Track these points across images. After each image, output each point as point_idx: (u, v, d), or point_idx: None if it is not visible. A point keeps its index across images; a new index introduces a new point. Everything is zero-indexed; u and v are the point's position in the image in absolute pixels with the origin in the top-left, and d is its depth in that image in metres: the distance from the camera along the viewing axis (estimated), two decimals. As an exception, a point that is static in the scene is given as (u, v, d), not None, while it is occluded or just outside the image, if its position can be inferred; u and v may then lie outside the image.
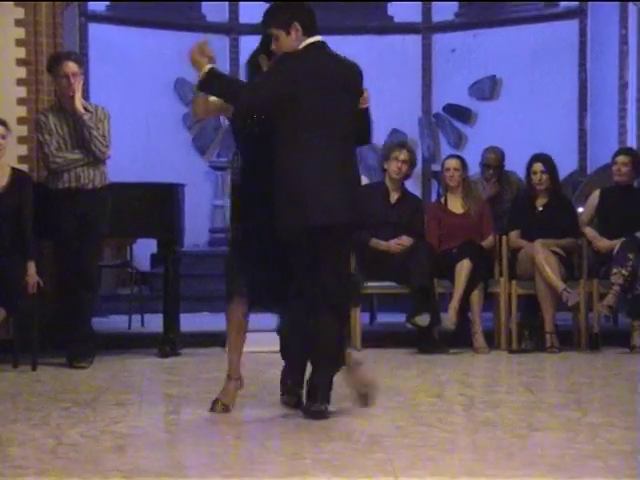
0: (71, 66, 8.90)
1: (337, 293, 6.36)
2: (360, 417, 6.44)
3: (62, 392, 7.60)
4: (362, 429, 6.06)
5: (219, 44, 14.94)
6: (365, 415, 6.49)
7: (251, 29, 14.98)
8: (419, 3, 14.66)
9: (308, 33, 6.35)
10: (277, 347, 9.10)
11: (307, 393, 6.49)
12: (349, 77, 6.54)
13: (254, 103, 6.34)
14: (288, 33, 6.28)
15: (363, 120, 6.65)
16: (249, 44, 14.83)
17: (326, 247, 6.31)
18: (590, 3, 13.58)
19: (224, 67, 14.87)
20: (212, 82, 6.35)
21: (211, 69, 6.30)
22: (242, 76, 7.16)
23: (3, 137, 8.76)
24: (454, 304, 9.49)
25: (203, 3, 15.22)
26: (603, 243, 9.69)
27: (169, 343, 9.43)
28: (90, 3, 13.81)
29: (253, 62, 6.71)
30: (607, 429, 5.91)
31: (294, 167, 6.24)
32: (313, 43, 6.36)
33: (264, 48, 6.55)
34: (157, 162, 12.76)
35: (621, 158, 9.94)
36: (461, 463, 5.08)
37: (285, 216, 6.30)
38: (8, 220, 8.64)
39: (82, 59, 10.19)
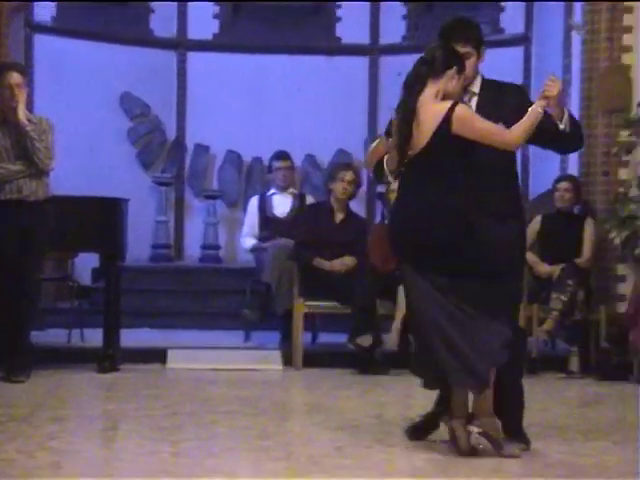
0: (15, 77, 8.86)
1: None
2: (300, 437, 6.44)
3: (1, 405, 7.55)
4: (301, 450, 6.05)
5: (166, 60, 14.93)
6: (305, 435, 6.48)
7: (199, 45, 15.02)
8: (367, 25, 14.69)
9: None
10: (217, 364, 9.09)
11: None
12: None
13: None
14: (479, 57, 6.17)
15: None
16: (197, 60, 14.95)
17: None
18: (535, 31, 13.68)
19: (171, 83, 14.88)
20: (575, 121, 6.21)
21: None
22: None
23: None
24: (397, 325, 9.51)
25: (151, 17, 15.16)
26: (543, 268, 9.78)
27: (108, 358, 9.38)
28: (36, 14, 13.75)
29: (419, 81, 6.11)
30: (544, 454, 5.94)
31: None
32: None
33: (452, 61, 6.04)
34: (101, 176, 12.66)
35: (563, 184, 10.03)
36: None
37: None
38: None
39: (26, 70, 10.16)
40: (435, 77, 5.89)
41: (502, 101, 6.03)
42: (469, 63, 6.01)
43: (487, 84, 6.15)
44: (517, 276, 6.29)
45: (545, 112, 5.85)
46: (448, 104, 5.82)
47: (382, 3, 14.69)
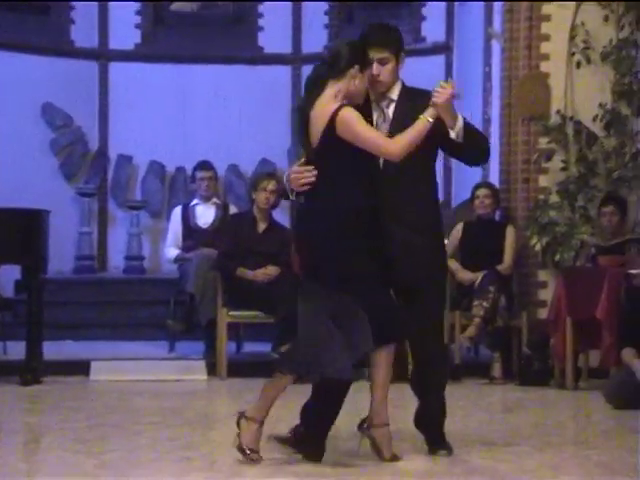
0: None
1: None
2: (223, 447, 6.43)
3: None
4: (225, 460, 6.05)
5: (88, 70, 14.86)
6: (229, 445, 6.49)
7: (121, 55, 14.96)
8: (289, 34, 14.71)
9: None
10: (141, 376, 9.07)
11: None
12: None
13: None
14: (397, 62, 5.95)
15: None
16: (119, 70, 14.89)
17: None
18: (456, 39, 13.78)
19: (93, 94, 14.81)
20: (472, 131, 5.97)
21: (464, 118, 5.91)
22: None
23: None
24: None
25: (72, 27, 15.07)
26: (465, 275, 9.83)
27: (31, 371, 9.30)
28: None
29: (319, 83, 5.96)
30: (466, 459, 5.99)
31: None
32: None
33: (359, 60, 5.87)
34: (22, 187, 12.55)
35: (482, 191, 10.09)
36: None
37: None
38: None
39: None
40: (336, 78, 5.75)
41: (420, 109, 5.76)
42: (387, 68, 5.86)
43: (406, 91, 5.98)
44: (437, 292, 6.17)
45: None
46: (336, 105, 5.67)
47: (304, 13, 14.74)
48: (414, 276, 5.92)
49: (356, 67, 5.75)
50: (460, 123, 5.75)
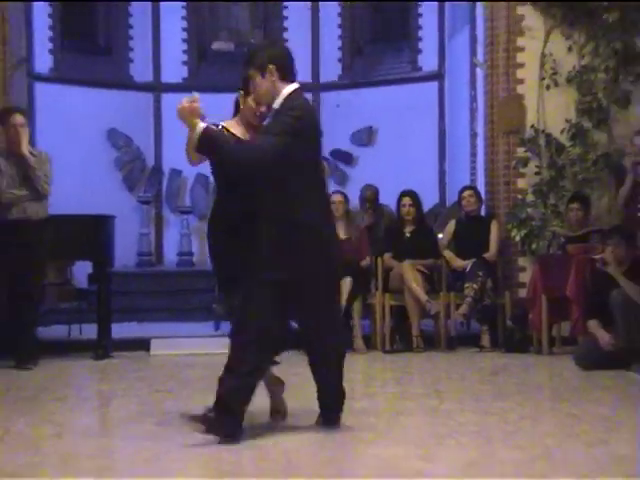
0: (18, 118, 8.84)
1: None
2: (257, 405, 6.41)
3: (10, 390, 7.52)
4: (262, 417, 6.03)
5: (144, 100, 14.90)
6: (260, 405, 6.46)
7: (172, 87, 14.98)
8: (309, 65, 14.69)
9: (285, 78, 5.36)
10: (192, 350, 9.04)
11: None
12: None
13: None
14: (263, 76, 5.32)
15: None
16: (170, 99, 14.89)
17: None
18: (447, 68, 13.79)
19: (149, 120, 14.85)
20: (210, 144, 5.20)
21: (206, 130, 5.19)
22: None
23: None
24: None
25: (131, 65, 15.13)
26: (458, 262, 9.83)
27: (102, 348, 9.35)
28: (36, 66, 13.69)
29: (236, 100, 5.93)
30: (460, 414, 5.99)
31: None
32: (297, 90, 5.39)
33: (244, 87, 5.68)
34: (92, 197, 12.57)
35: (467, 192, 10.15)
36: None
37: None
38: (-35, 246, 8.54)
39: (27, 112, 10.15)
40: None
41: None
42: (254, 84, 5.38)
43: (286, 102, 5.28)
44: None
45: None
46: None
47: (321, 48, 14.79)
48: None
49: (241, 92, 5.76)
50: (196, 133, 5.15)
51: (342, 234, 9.96)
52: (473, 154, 11.93)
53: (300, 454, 4.92)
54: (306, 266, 5.23)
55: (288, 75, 5.36)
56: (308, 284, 5.28)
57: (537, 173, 9.95)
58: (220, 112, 16.24)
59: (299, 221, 5.21)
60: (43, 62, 13.99)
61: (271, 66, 5.29)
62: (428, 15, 14.38)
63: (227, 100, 15.69)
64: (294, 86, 5.34)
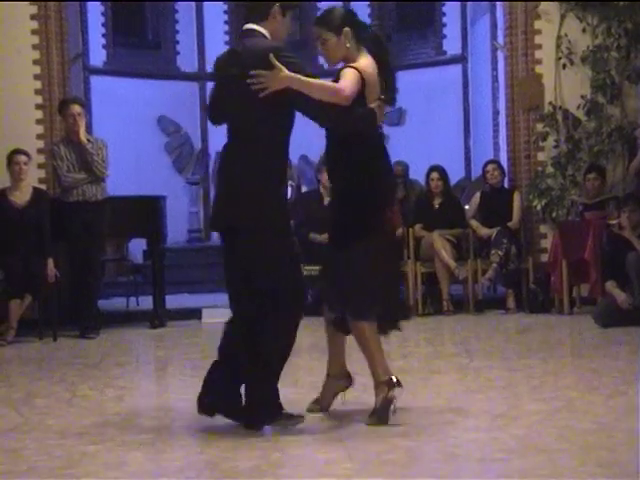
0: (76, 108, 8.89)
1: None
2: (304, 369, 6.39)
3: (75, 357, 7.60)
4: (305, 379, 6.00)
5: (190, 89, 14.94)
6: (308, 367, 6.45)
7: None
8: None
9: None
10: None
11: None
12: None
13: None
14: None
15: None
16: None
17: None
18: (470, 51, 13.71)
19: (195, 107, 14.88)
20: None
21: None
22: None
23: (25, 164, 8.75)
24: None
25: (178, 57, 15.18)
26: (484, 231, 9.78)
27: (157, 317, 9.39)
28: (91, 60, 13.77)
29: None
30: (488, 371, 5.98)
31: None
32: None
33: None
34: (145, 179, 12.64)
35: (491, 166, 10.09)
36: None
37: None
38: (31, 227, 8.60)
39: (84, 102, 10.20)
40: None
41: None
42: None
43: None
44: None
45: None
46: None
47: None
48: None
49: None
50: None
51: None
52: (495, 130, 11.88)
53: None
54: None
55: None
56: None
57: (555, 147, 9.87)
58: None
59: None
60: (97, 56, 14.12)
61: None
62: (451, 3, 14.32)
63: None
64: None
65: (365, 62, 4.50)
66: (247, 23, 4.55)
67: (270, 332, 4.52)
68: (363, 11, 14.98)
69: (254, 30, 4.47)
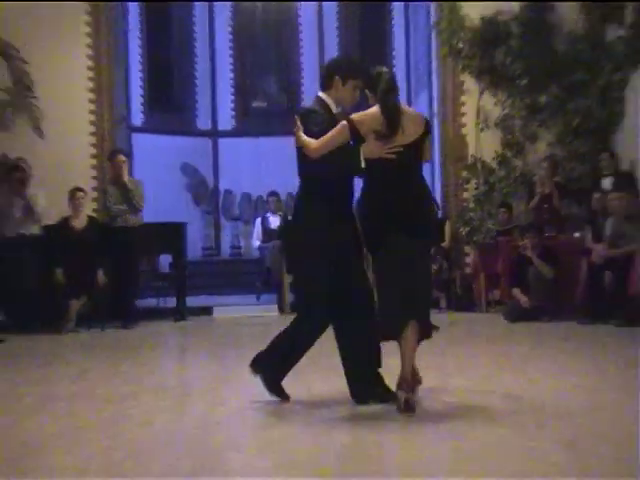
0: (121, 157, 8.93)
1: None
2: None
3: (118, 343, 7.60)
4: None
5: (206, 142, 14.95)
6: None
7: (224, 133, 15.01)
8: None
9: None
10: (242, 314, 8.93)
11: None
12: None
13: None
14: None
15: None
16: (224, 142, 14.89)
17: None
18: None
19: (209, 156, 14.88)
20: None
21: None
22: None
23: (82, 198, 8.79)
24: None
25: (197, 119, 15.16)
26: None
27: (179, 313, 9.39)
28: (133, 120, 13.78)
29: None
30: (424, 355, 5.88)
31: None
32: None
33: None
34: (172, 210, 12.48)
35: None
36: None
37: None
38: (86, 245, 8.59)
39: (127, 152, 10.23)
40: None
41: None
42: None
43: None
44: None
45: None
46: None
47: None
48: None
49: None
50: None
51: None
52: (433, 176, 11.95)
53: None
54: None
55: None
56: None
57: (476, 188, 9.95)
58: (259, 152, 16.08)
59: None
60: (137, 118, 14.11)
61: (354, 81, 4.16)
62: (399, 78, 14.34)
63: (265, 143, 15.45)
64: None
65: (365, 112, 3.96)
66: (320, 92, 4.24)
67: None
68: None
69: (318, 97, 4.19)
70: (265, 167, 14.28)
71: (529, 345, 6.45)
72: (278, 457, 3.15)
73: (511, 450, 3.14)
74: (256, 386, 4.24)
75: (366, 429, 3.57)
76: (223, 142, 14.95)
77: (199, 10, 15.04)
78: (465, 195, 10.11)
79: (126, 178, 8.85)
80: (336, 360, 4.22)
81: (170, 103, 14.98)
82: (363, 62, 13.50)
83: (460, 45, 9.81)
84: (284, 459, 3.12)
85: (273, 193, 11.70)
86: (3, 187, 8.76)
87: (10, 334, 7.83)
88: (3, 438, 3.61)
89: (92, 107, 9.75)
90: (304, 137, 3.97)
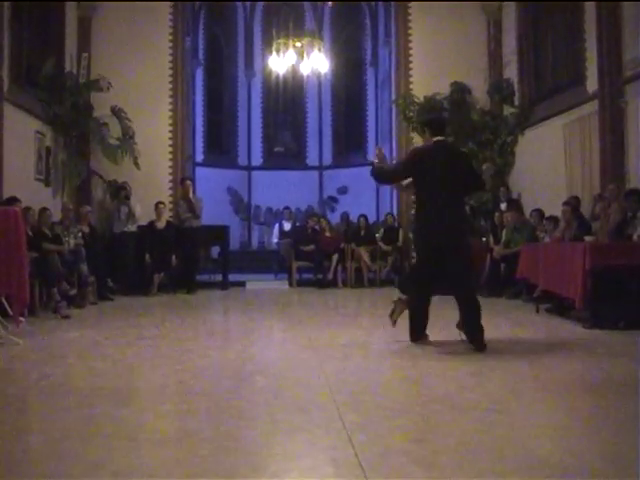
0: (188, 182, 8.95)
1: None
2: (301, 313, 6.16)
3: (185, 303, 7.44)
4: (306, 319, 5.81)
5: (244, 174, 14.87)
6: (305, 311, 6.17)
7: (255, 167, 15.01)
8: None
9: (434, 134, 4.07)
10: (264, 286, 8.74)
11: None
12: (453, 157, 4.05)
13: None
14: (423, 132, 4.29)
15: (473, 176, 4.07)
16: (255, 174, 14.87)
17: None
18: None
19: (245, 183, 14.79)
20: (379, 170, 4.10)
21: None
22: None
23: (163, 208, 8.80)
24: None
25: (238, 157, 15.12)
26: (385, 247, 9.61)
27: (224, 285, 9.28)
28: (197, 157, 13.74)
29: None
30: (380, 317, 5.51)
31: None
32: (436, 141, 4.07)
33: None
34: (219, 218, 12.30)
35: (389, 216, 9.88)
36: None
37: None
38: (165, 239, 8.55)
39: (192, 178, 10.21)
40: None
41: None
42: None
43: None
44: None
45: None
46: None
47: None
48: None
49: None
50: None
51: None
52: (391, 196, 11.81)
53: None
54: None
55: (436, 133, 4.14)
56: None
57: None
58: (278, 180, 15.94)
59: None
60: (199, 156, 14.08)
61: (426, 128, 4.19)
62: (370, 132, 14.19)
63: (282, 174, 15.29)
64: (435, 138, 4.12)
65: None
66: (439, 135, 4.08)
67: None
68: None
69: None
70: (282, 190, 14.18)
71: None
72: (293, 381, 3.03)
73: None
74: (279, 333, 4.12)
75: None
76: (255, 173, 14.96)
77: (241, 81, 15.02)
78: (412, 211, 9.92)
79: (191, 196, 8.86)
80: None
81: (221, 147, 15.01)
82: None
83: (411, 114, 9.85)
84: (299, 382, 2.99)
85: (286, 207, 11.63)
86: (114, 200, 8.83)
87: (117, 295, 7.84)
88: (113, 362, 3.68)
89: (170, 149, 9.82)
90: (378, 165, 4.13)
